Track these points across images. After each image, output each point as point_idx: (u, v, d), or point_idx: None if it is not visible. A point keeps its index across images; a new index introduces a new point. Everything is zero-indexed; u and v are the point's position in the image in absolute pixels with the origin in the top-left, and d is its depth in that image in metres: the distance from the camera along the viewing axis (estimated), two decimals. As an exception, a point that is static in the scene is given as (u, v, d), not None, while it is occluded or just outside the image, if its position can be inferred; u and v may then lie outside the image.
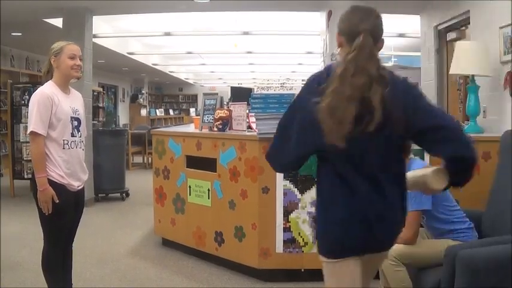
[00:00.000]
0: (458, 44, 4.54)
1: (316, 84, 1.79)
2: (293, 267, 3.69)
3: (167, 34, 9.06)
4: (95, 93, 8.51)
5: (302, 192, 3.68)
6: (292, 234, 3.71)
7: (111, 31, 9.35)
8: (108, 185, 7.13)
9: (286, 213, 3.70)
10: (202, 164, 4.21)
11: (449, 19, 5.40)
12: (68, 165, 2.83)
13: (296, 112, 1.83)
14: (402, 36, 8.86)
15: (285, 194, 3.69)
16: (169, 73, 17.19)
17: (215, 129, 4.22)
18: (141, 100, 18.86)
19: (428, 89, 6.01)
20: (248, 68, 16.36)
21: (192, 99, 23.51)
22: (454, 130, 1.77)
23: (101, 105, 9.37)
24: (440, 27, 5.71)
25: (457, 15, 5.15)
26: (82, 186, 2.98)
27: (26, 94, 7.04)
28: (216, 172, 4.07)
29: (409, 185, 1.91)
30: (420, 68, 6.47)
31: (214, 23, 8.86)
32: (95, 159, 6.75)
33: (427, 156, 3.51)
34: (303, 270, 3.71)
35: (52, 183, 2.76)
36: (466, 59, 4.06)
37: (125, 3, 6.57)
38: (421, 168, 1.94)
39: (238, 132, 4.09)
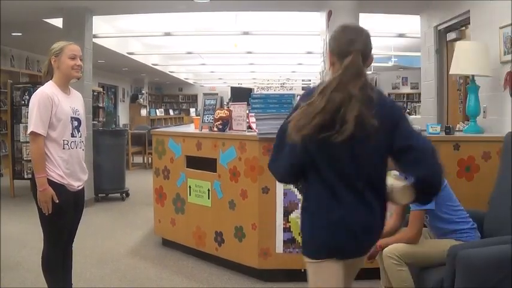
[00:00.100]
0: (458, 44, 4.54)
1: (308, 97, 1.90)
2: (293, 267, 3.69)
3: (167, 34, 9.05)
4: (95, 93, 8.52)
5: (302, 192, 3.67)
6: (292, 235, 3.71)
7: (111, 31, 9.35)
8: (108, 185, 7.14)
9: (286, 213, 3.70)
10: (202, 164, 4.21)
11: (449, 19, 5.40)
12: (68, 165, 2.83)
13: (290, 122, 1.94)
14: (402, 36, 8.87)
15: (285, 194, 3.69)
16: (169, 73, 17.19)
17: (215, 129, 4.22)
18: (141, 100, 18.86)
19: (428, 89, 6.01)
20: (248, 68, 16.36)
21: (192, 99, 23.51)
22: (426, 153, 1.86)
23: (101, 105, 9.38)
24: (440, 28, 5.70)
25: (457, 15, 5.15)
26: (82, 186, 2.98)
27: (26, 94, 7.04)
28: (216, 172, 4.08)
29: None
30: (420, 68, 6.48)
31: (214, 23, 8.86)
32: (95, 159, 6.74)
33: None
34: (303, 270, 3.66)
35: (52, 183, 2.76)
36: (466, 59, 4.06)
37: (124, 3, 6.57)
38: (393, 177, 1.99)
39: (238, 132, 4.09)
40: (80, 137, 2.92)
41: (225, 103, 4.81)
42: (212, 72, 17.93)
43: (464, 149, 3.69)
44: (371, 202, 1.89)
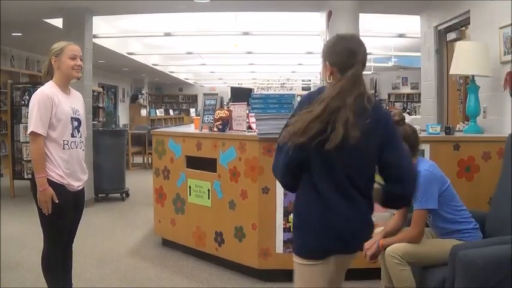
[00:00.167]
0: (458, 44, 4.54)
1: (307, 103, 1.93)
2: (293, 267, 3.68)
3: (167, 34, 9.05)
4: (95, 94, 8.52)
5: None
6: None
7: (111, 31, 9.34)
8: (108, 185, 7.13)
9: (286, 213, 3.70)
10: (202, 164, 4.21)
11: (449, 19, 5.40)
12: (68, 165, 2.83)
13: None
14: (402, 36, 8.87)
15: (285, 194, 3.69)
16: (169, 73, 17.19)
17: (215, 129, 4.22)
18: (141, 100, 18.86)
19: (429, 89, 6.01)
20: (248, 68, 16.35)
21: (192, 100, 23.51)
22: (408, 175, 1.98)
23: (101, 105, 9.38)
24: (440, 28, 5.71)
25: (457, 16, 5.15)
26: (82, 186, 2.98)
27: (26, 94, 7.04)
28: (216, 172, 4.07)
29: None
30: (420, 68, 6.48)
31: (214, 23, 8.86)
32: (95, 159, 6.74)
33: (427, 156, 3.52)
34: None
35: (52, 183, 2.76)
36: (466, 59, 4.06)
37: (124, 3, 6.57)
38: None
39: (238, 133, 4.09)
40: (80, 137, 2.92)
41: (225, 103, 4.81)
42: (212, 72, 17.93)
43: (464, 149, 3.69)
44: (362, 208, 1.94)
